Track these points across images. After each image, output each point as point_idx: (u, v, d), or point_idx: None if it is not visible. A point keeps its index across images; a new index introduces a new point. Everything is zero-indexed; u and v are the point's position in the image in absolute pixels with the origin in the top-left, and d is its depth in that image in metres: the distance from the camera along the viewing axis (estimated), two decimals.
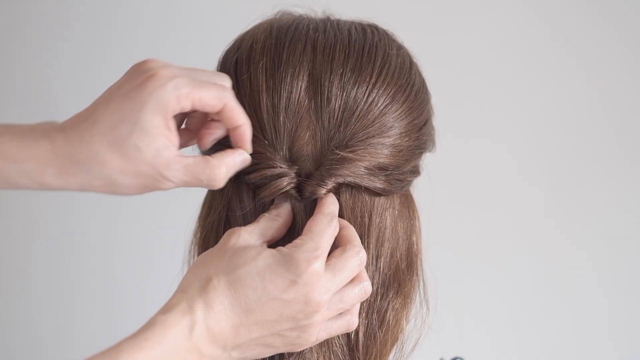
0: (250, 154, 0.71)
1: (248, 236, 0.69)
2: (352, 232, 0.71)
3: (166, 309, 0.65)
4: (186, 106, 0.66)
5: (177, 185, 0.68)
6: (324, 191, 0.71)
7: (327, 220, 0.69)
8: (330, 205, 0.71)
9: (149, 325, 0.64)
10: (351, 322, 0.71)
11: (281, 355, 0.72)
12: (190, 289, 0.66)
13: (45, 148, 0.66)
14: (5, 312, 1.58)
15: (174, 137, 0.67)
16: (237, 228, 0.70)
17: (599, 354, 1.56)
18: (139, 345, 0.62)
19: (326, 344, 0.73)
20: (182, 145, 0.71)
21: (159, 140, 0.65)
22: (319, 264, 0.66)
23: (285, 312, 0.66)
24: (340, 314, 0.70)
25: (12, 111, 1.53)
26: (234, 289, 0.65)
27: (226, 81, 0.71)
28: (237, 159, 0.70)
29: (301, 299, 0.66)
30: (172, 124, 0.66)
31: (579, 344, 1.56)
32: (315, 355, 0.73)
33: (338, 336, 0.73)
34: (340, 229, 0.71)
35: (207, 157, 0.69)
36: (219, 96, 0.68)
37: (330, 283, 0.67)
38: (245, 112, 0.70)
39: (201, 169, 0.67)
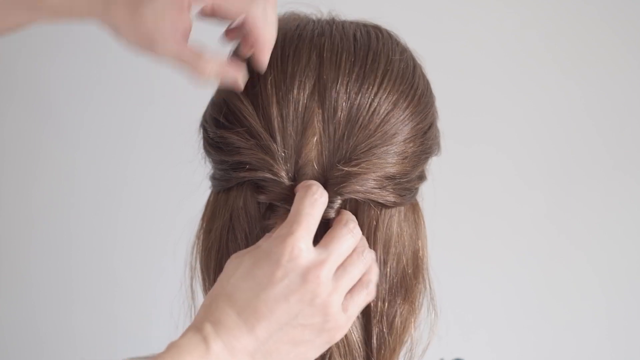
0: (259, 167, 0.72)
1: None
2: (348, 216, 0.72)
3: (179, 337, 0.68)
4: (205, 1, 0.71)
5: (167, 58, 0.71)
6: (332, 213, 0.72)
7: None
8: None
9: (164, 350, 0.66)
10: (370, 289, 0.71)
11: None
12: (197, 317, 0.69)
13: None
14: (4, 312, 1.57)
15: (182, 18, 0.70)
16: (234, 254, 0.71)
17: (598, 356, 1.56)
18: None
19: (349, 350, 0.73)
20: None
21: (166, 13, 0.70)
22: (299, 242, 0.67)
23: (289, 298, 0.66)
24: (356, 285, 0.70)
25: (12, 110, 1.52)
26: (233, 299, 0.67)
27: None
28: (229, 74, 0.72)
29: (296, 279, 0.66)
30: (187, 11, 0.71)
31: (579, 346, 1.56)
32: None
33: (356, 341, 0.73)
34: None
35: (203, 52, 0.71)
36: (243, 4, 0.71)
37: (321, 255, 0.67)
38: (270, 30, 0.72)
39: (191, 55, 0.71)
